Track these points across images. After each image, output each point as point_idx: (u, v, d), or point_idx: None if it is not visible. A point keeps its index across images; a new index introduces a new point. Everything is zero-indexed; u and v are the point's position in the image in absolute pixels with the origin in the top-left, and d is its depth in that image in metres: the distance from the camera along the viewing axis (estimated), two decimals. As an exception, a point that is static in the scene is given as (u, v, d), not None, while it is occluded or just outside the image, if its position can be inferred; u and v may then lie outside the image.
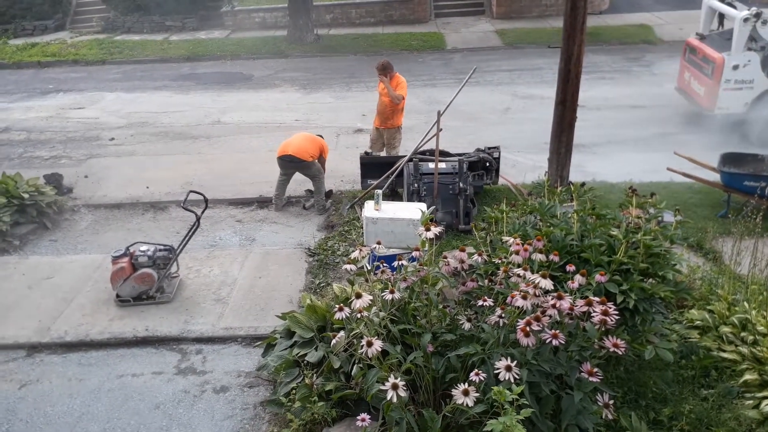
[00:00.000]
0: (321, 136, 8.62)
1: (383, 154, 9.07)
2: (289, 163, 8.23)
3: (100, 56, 17.55)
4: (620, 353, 3.58)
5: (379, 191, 6.57)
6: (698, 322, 5.07)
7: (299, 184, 8.78)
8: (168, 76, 15.92)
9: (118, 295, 6.43)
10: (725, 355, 4.72)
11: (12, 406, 5.22)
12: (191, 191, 6.92)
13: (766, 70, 10.50)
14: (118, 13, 20.03)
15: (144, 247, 6.55)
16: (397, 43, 17.87)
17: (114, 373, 5.57)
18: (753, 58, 10.39)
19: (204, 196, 7.02)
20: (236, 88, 14.90)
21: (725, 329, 4.89)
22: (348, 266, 4.12)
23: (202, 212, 6.87)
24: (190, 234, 6.79)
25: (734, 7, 10.70)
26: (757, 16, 10.13)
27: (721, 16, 11.44)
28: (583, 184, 5.43)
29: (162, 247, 6.63)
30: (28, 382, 5.51)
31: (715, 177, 8.10)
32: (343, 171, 9.53)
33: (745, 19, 10.16)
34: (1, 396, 5.34)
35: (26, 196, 8.14)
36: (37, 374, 5.60)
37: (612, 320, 3.52)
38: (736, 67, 10.37)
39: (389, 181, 8.07)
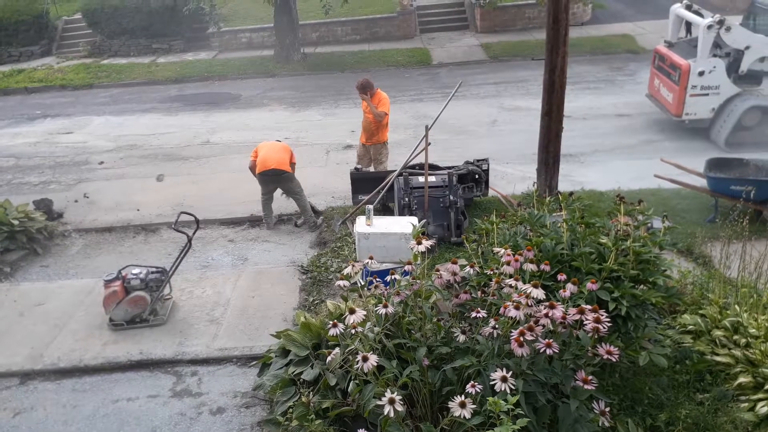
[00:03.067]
0: (279, 140, 8.70)
1: (372, 169, 9.12)
2: (272, 177, 8.21)
3: (88, 80, 17.55)
4: (614, 360, 3.60)
5: (371, 206, 6.60)
6: (691, 326, 5.10)
7: (290, 201, 8.79)
8: (156, 99, 15.94)
9: (111, 319, 6.39)
10: (719, 358, 4.76)
11: (6, 436, 5.17)
12: (182, 212, 6.92)
13: (732, 77, 10.76)
14: (104, 37, 20.06)
15: (136, 270, 6.53)
16: (383, 59, 18.02)
17: (109, 398, 5.52)
18: (718, 64, 10.66)
19: (195, 217, 7.02)
20: (225, 108, 14.95)
21: (718, 333, 4.93)
22: (341, 282, 4.13)
23: (194, 233, 6.86)
24: (182, 255, 6.78)
25: (701, 15, 10.93)
26: (720, 23, 10.39)
27: (689, 24, 11.73)
28: (571, 194, 5.47)
29: (154, 270, 6.61)
30: (22, 410, 5.45)
31: (702, 182, 8.20)
32: (333, 187, 9.56)
33: (709, 27, 10.43)
34: (-5, 425, 5.29)
35: (16, 222, 8.10)
36: (31, 402, 5.55)
37: (604, 327, 3.54)
38: (701, 74, 10.62)
39: (380, 196, 8.10)
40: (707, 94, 10.72)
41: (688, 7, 11.34)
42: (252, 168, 8.36)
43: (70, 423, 5.26)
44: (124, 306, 6.31)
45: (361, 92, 8.77)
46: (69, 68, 18.58)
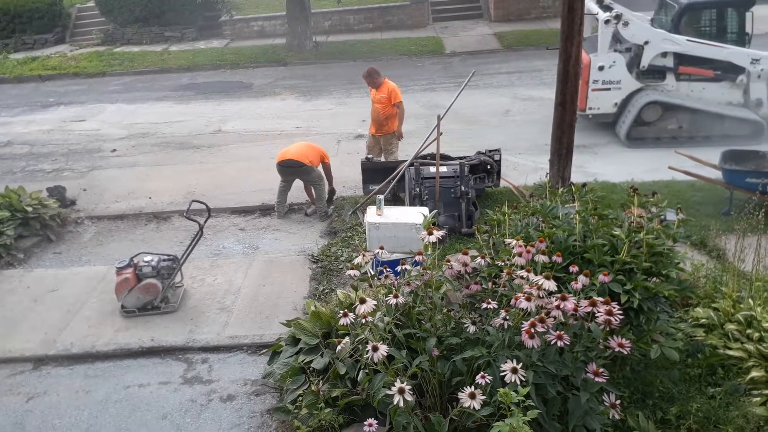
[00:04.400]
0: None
1: (382, 159, 9.11)
2: (289, 169, 8.25)
3: (101, 68, 17.63)
4: (626, 353, 3.58)
5: (381, 196, 6.60)
6: (703, 320, 5.06)
7: (300, 191, 8.80)
8: (168, 87, 15.98)
9: (123, 306, 6.45)
10: (731, 352, 4.71)
11: (20, 419, 5.23)
12: (194, 201, 6.94)
13: (633, 72, 10.70)
14: (117, 25, 20.13)
15: (148, 258, 6.57)
16: (395, 48, 17.93)
17: (121, 384, 5.58)
18: (618, 59, 10.61)
19: (207, 206, 7.04)
20: (236, 96, 14.95)
21: (731, 327, 4.89)
22: (351, 272, 4.13)
23: (205, 221, 6.89)
24: (193, 243, 6.81)
25: (610, 9, 10.77)
26: (618, 17, 10.33)
27: None
28: (584, 185, 5.44)
29: (166, 257, 6.64)
30: (36, 395, 5.52)
31: (717, 174, 8.10)
32: (344, 177, 9.55)
33: (606, 21, 10.37)
34: (9, 409, 5.35)
35: (29, 209, 8.17)
36: (44, 387, 5.62)
37: (616, 320, 3.52)
38: (601, 68, 10.56)
39: (391, 186, 8.08)
40: (609, 89, 10.67)
41: (600, 2, 11.22)
42: None
43: (82, 408, 5.32)
44: (135, 293, 6.36)
45: (368, 81, 8.78)
46: (82, 56, 18.67)
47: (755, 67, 10.28)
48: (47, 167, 11.14)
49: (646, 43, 10.45)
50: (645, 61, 10.56)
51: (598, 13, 10.61)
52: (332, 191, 8.75)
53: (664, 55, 10.54)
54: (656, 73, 10.70)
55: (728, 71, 10.47)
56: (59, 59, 18.46)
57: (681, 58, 10.52)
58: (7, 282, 7.28)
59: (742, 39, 10.78)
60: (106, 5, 19.99)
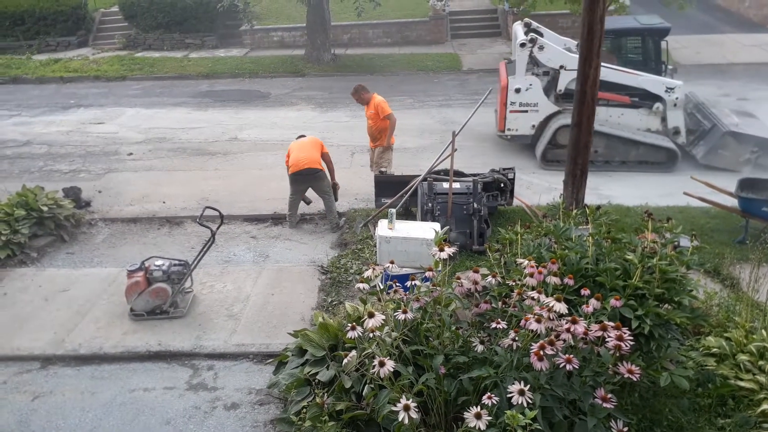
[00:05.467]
0: (303, 135, 8.82)
1: (374, 172, 9.14)
2: (305, 177, 8.27)
3: (121, 72, 17.87)
4: (635, 379, 3.54)
5: (393, 210, 6.59)
6: (715, 349, 4.99)
7: (314, 200, 8.82)
8: (187, 93, 16.16)
9: (132, 309, 6.47)
10: (743, 383, 4.64)
11: (25, 418, 5.25)
12: (207, 207, 6.98)
13: (551, 96, 10.90)
14: (139, 31, 20.42)
15: (159, 262, 6.60)
16: (413, 63, 18.02)
17: (126, 388, 5.59)
18: (534, 82, 10.84)
19: (219, 212, 7.08)
20: (254, 105, 15.08)
21: (743, 357, 4.81)
22: (361, 285, 4.12)
23: (218, 228, 6.92)
24: (205, 249, 6.84)
25: (540, 34, 11.06)
26: (533, 42, 10.55)
27: None
28: (598, 207, 5.41)
29: (177, 262, 6.68)
30: (42, 394, 5.54)
31: (733, 202, 8.03)
32: (357, 189, 9.58)
33: (522, 45, 10.60)
34: (15, 407, 5.37)
35: (45, 208, 8.26)
36: (50, 386, 5.64)
37: (627, 346, 3.48)
38: (518, 91, 10.81)
39: (403, 200, 8.09)
40: (527, 111, 10.91)
41: (527, 26, 11.45)
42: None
43: (87, 409, 5.33)
44: (145, 296, 6.39)
45: (356, 98, 9.07)
46: (104, 60, 18.93)
47: (670, 95, 10.49)
48: (64, 168, 11.27)
49: (562, 67, 10.70)
50: (561, 85, 10.82)
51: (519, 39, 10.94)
52: (335, 185, 8.75)
53: None
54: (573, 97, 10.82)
55: (645, 98, 10.70)
56: (81, 62, 18.73)
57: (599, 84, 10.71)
58: (19, 280, 7.34)
59: (658, 67, 11.15)
60: (129, 10, 20.30)
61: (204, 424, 5.15)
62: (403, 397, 3.47)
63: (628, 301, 4.13)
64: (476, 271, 4.18)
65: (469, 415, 3.31)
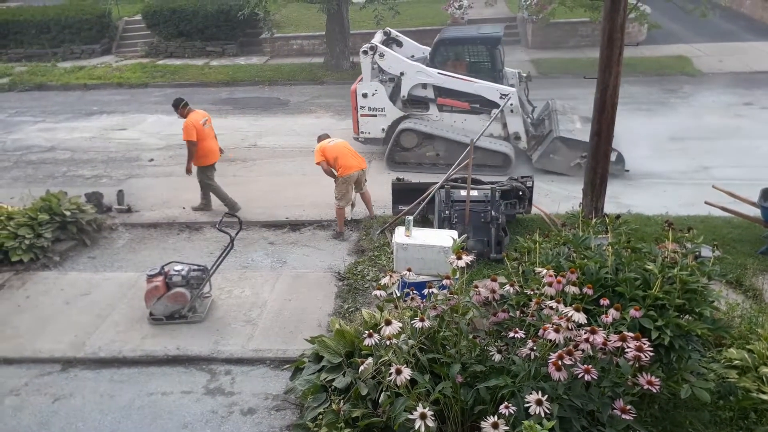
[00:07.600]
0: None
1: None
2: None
3: (143, 79, 18.12)
4: (655, 391, 3.50)
5: (410, 217, 6.59)
6: (737, 361, 4.90)
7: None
8: (207, 100, 16.32)
9: (151, 314, 6.54)
10: (765, 397, 4.55)
11: (45, 420, 5.33)
12: (226, 213, 7.04)
13: (397, 101, 11.26)
14: (161, 38, 20.71)
15: (178, 267, 6.67)
16: (431, 71, 18.01)
17: (144, 391, 5.64)
18: (379, 87, 11.25)
19: (239, 218, 7.13)
20: (273, 112, 15.19)
21: (765, 370, 4.72)
22: (378, 292, 4.12)
23: (236, 234, 6.98)
24: (223, 255, 6.89)
25: (399, 43, 12.04)
26: (373, 49, 10.97)
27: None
28: (618, 216, 5.36)
29: (196, 267, 6.74)
30: (62, 397, 5.62)
31: (756, 212, 7.91)
32: (374, 196, 9.57)
33: (364, 52, 11.12)
34: (36, 409, 5.46)
35: (68, 213, 8.40)
36: (70, 389, 5.71)
37: (646, 357, 3.44)
38: (365, 96, 11.25)
39: (420, 207, 8.09)
40: (375, 115, 11.36)
41: (386, 34, 12.09)
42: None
43: (106, 412, 5.39)
44: (164, 301, 6.45)
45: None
46: (126, 67, 19.22)
47: (504, 101, 10.61)
48: (87, 173, 11.45)
49: (402, 74, 11.10)
50: (404, 91, 11.21)
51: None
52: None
53: (425, 86, 11.11)
54: (420, 103, 11.27)
55: (485, 105, 10.91)
56: (104, 69, 19.04)
57: (440, 91, 11.09)
58: (42, 283, 7.46)
59: (494, 74, 11.37)
60: (152, 19, 20.61)
61: (221, 428, 5.18)
62: (420, 405, 3.46)
63: (648, 311, 4.07)
64: (494, 280, 4.16)
65: (486, 425, 3.29)
